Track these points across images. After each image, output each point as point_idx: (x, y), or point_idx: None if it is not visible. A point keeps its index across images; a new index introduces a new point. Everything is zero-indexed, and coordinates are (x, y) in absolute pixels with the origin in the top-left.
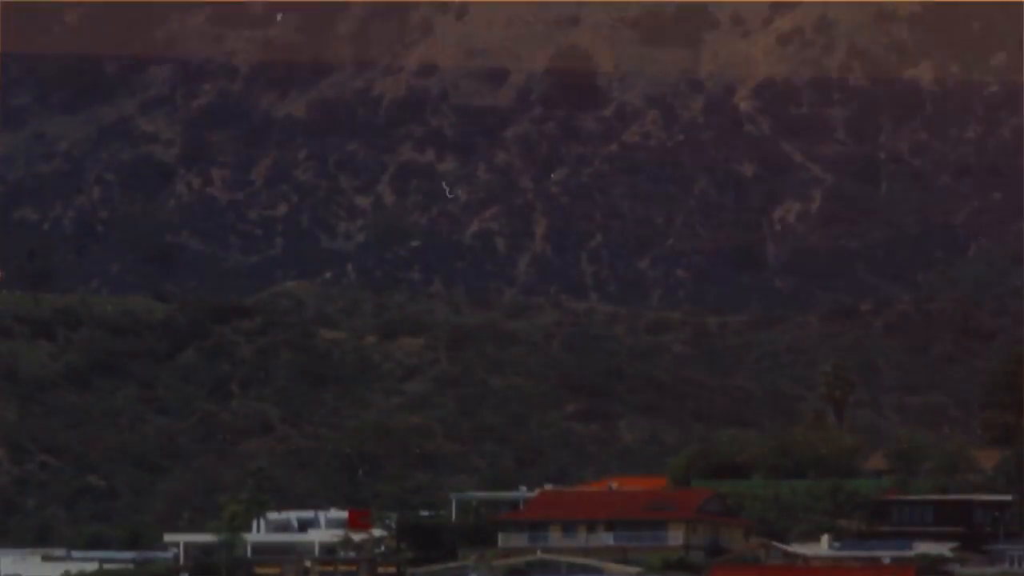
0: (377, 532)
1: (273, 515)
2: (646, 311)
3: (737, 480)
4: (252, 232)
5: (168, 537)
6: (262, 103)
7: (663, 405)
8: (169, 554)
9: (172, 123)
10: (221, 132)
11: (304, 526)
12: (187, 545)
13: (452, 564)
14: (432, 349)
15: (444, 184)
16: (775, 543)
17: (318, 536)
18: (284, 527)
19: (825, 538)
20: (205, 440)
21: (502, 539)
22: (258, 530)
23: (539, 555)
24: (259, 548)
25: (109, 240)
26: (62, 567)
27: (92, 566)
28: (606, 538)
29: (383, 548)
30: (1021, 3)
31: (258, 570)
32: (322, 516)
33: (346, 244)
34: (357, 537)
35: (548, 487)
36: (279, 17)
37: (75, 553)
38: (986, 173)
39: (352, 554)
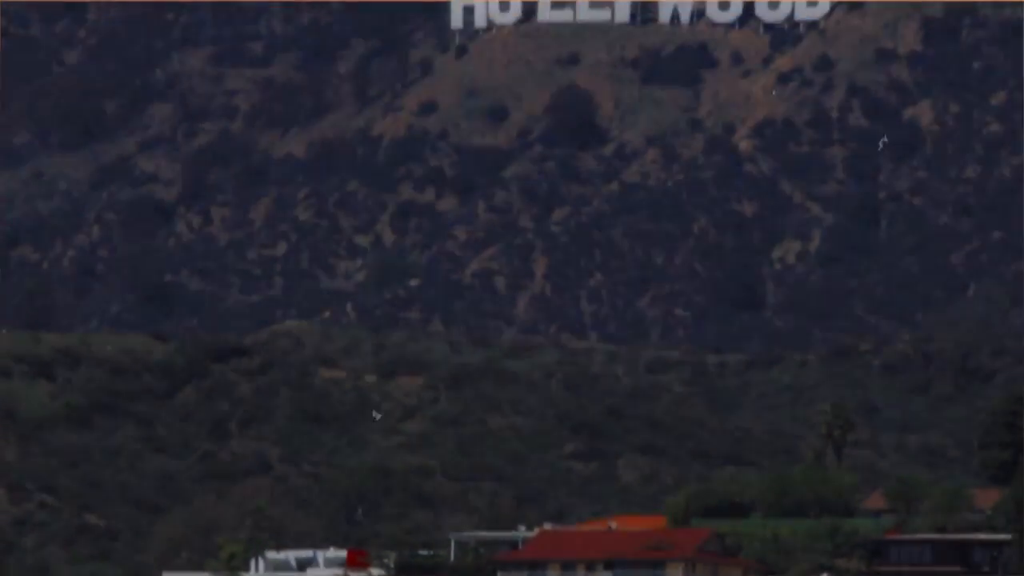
0: (376, 572)
1: (272, 554)
2: (645, 350)
3: (736, 519)
4: (251, 271)
5: None
6: (262, 142)
7: (662, 444)
8: None
9: (172, 162)
10: (221, 171)
11: (303, 565)
12: None
13: None
14: (431, 388)
15: None
16: None
17: (317, 575)
18: (283, 566)
19: None
20: (204, 479)
21: None
22: (256, 570)
23: None
24: None
25: (109, 279)
26: None
27: None
28: None
29: None
30: (1021, 43)
31: None
32: (321, 555)
33: (345, 283)
34: None
35: (547, 526)
36: None
37: None
38: (986, 213)
39: None
